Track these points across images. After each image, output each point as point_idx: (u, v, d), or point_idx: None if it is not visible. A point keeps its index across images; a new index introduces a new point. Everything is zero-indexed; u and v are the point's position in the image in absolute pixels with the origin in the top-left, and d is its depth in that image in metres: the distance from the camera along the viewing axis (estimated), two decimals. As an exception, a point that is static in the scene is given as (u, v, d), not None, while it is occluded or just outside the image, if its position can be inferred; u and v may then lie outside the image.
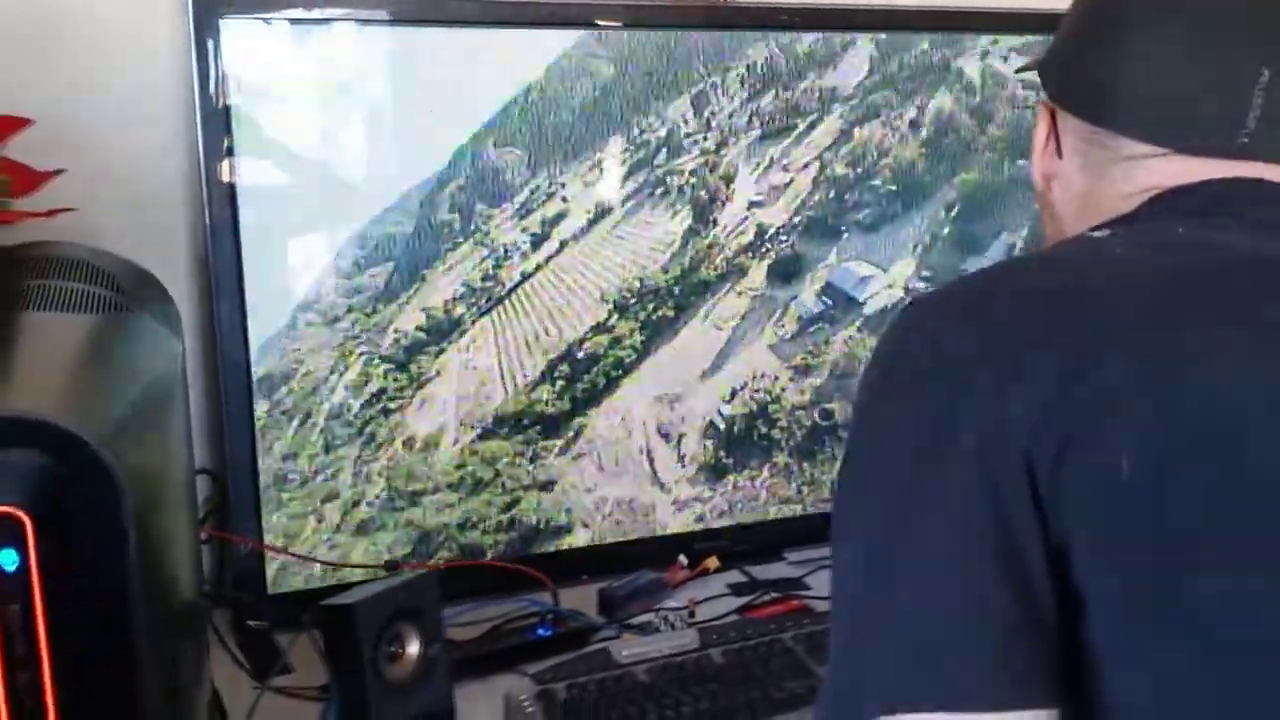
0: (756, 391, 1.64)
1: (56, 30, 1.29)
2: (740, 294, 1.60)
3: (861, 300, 1.65)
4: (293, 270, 1.37)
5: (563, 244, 1.51)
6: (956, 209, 1.65)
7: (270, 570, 1.40)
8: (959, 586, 0.70)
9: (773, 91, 1.55)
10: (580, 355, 1.54)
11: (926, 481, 0.71)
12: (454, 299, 1.46)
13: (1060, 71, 0.92)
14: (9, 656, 0.77)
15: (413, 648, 1.20)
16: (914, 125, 1.61)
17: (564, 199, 1.50)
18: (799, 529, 1.65)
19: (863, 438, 0.78)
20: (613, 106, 1.49)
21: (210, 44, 1.28)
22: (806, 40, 1.54)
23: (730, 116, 1.54)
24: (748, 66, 1.53)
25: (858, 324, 1.66)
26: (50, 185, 1.20)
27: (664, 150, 1.52)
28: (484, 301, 1.48)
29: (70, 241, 1.17)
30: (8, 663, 0.77)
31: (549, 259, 1.51)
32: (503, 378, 1.51)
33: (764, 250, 1.59)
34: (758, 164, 1.57)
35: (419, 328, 1.45)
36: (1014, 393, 0.70)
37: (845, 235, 1.62)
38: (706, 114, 1.53)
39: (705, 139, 1.54)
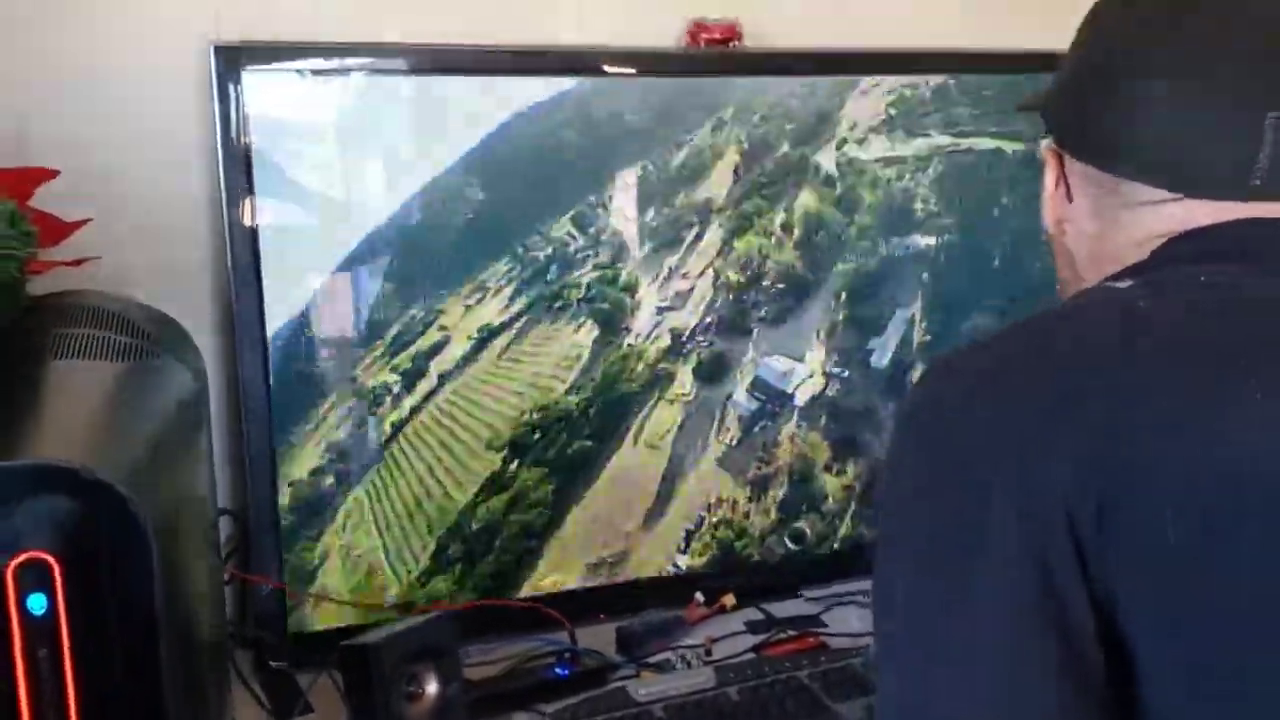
0: (717, 527, 1.58)
1: (84, 82, 1.32)
2: (672, 401, 1.54)
3: (790, 391, 1.63)
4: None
5: (443, 378, 1.42)
6: (845, 295, 1.63)
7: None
8: (1006, 683, 0.70)
9: (652, 208, 1.52)
10: (473, 528, 1.43)
11: (969, 551, 0.72)
12: (319, 469, 1.38)
13: (1065, 116, 0.92)
14: (38, 699, 0.79)
15: (431, 687, 1.21)
16: (785, 228, 1.58)
17: (442, 327, 1.42)
18: (817, 565, 1.66)
19: (897, 512, 0.78)
20: (493, 228, 1.44)
21: (232, 94, 1.31)
22: (680, 156, 1.51)
23: (617, 232, 1.51)
24: (622, 188, 1.50)
25: (795, 417, 1.63)
26: (77, 233, 1.23)
27: (555, 265, 1.47)
28: (356, 467, 1.40)
29: (96, 290, 1.19)
30: (37, 705, 0.79)
31: (427, 398, 1.41)
32: (391, 565, 1.40)
33: (685, 351, 1.55)
34: (656, 274, 1.53)
35: (289, 507, 1.38)
36: (1051, 456, 0.70)
37: (755, 331, 1.60)
38: (592, 231, 1.49)
39: (597, 254, 1.50)
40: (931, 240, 1.65)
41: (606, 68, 1.48)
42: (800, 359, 1.63)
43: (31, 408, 0.91)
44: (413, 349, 1.42)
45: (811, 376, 1.64)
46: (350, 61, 1.37)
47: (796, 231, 1.59)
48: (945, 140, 1.63)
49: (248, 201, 1.33)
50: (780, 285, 1.60)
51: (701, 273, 1.56)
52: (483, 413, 1.43)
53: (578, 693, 1.36)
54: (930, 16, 1.66)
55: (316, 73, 1.35)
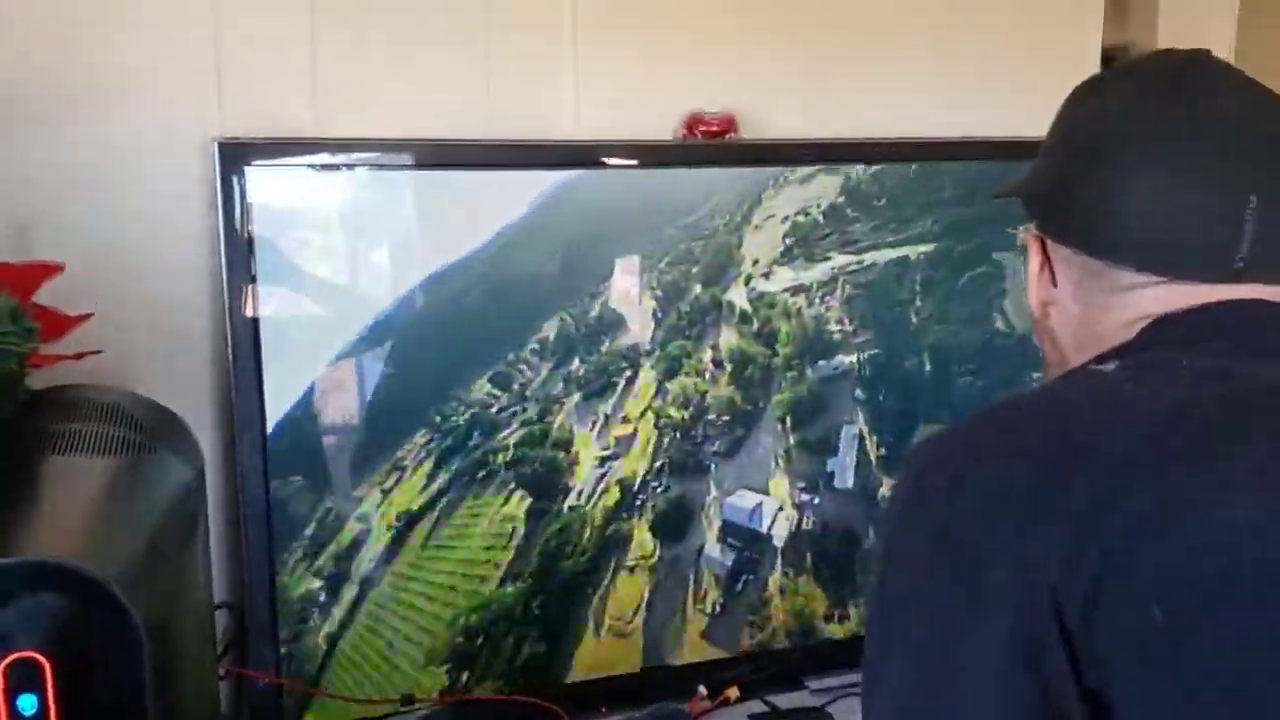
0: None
1: (89, 178, 1.34)
2: (633, 569, 1.45)
3: (765, 531, 1.58)
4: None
5: (365, 585, 1.35)
6: (789, 421, 1.61)
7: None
8: None
9: (576, 358, 1.49)
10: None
11: (957, 637, 0.72)
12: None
13: (1047, 202, 0.93)
14: (26, 802, 0.78)
15: (428, 784, 1.19)
16: (716, 364, 1.57)
17: (359, 518, 1.37)
18: (821, 655, 1.64)
19: (888, 588, 0.78)
20: (405, 400, 1.40)
21: (235, 191, 1.32)
22: (595, 308, 1.49)
23: (544, 384, 1.46)
24: (540, 341, 1.47)
25: (779, 562, 1.57)
26: (81, 328, 1.24)
27: (477, 430, 1.41)
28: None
29: (95, 384, 1.20)
30: (24, 809, 0.78)
31: (354, 607, 1.34)
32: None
33: (639, 504, 1.47)
34: (592, 422, 1.48)
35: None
36: (1036, 536, 0.71)
37: (713, 466, 1.55)
38: (515, 387, 1.45)
39: (524, 410, 1.45)
40: (854, 358, 1.64)
41: (608, 159, 1.50)
42: (765, 490, 1.58)
43: (26, 504, 0.91)
44: (331, 549, 1.36)
45: (782, 509, 1.59)
46: (350, 157, 1.39)
47: (728, 366, 1.57)
48: (846, 259, 1.61)
49: (250, 296, 1.34)
50: (726, 417, 1.56)
51: (641, 414, 1.51)
52: (418, 617, 1.34)
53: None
54: (933, 107, 1.69)
55: (320, 168, 1.37)
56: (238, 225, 1.33)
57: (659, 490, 1.51)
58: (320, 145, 1.39)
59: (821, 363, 1.62)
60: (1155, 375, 0.80)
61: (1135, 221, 0.85)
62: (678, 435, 1.54)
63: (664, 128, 1.58)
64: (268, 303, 1.34)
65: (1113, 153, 0.87)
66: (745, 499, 1.57)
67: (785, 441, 1.60)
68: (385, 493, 1.37)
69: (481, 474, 1.41)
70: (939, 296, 1.67)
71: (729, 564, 1.55)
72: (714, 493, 1.55)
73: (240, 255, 1.33)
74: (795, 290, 1.59)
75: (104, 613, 0.79)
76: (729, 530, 1.56)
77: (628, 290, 1.51)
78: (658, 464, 1.51)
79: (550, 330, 1.48)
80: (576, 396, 1.49)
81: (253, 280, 1.34)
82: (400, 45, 1.45)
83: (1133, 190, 0.85)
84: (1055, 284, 0.92)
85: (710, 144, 1.58)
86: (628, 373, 1.51)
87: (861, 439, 1.64)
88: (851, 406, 1.64)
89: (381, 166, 1.40)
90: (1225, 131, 0.85)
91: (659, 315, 1.53)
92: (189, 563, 1.05)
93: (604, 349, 1.51)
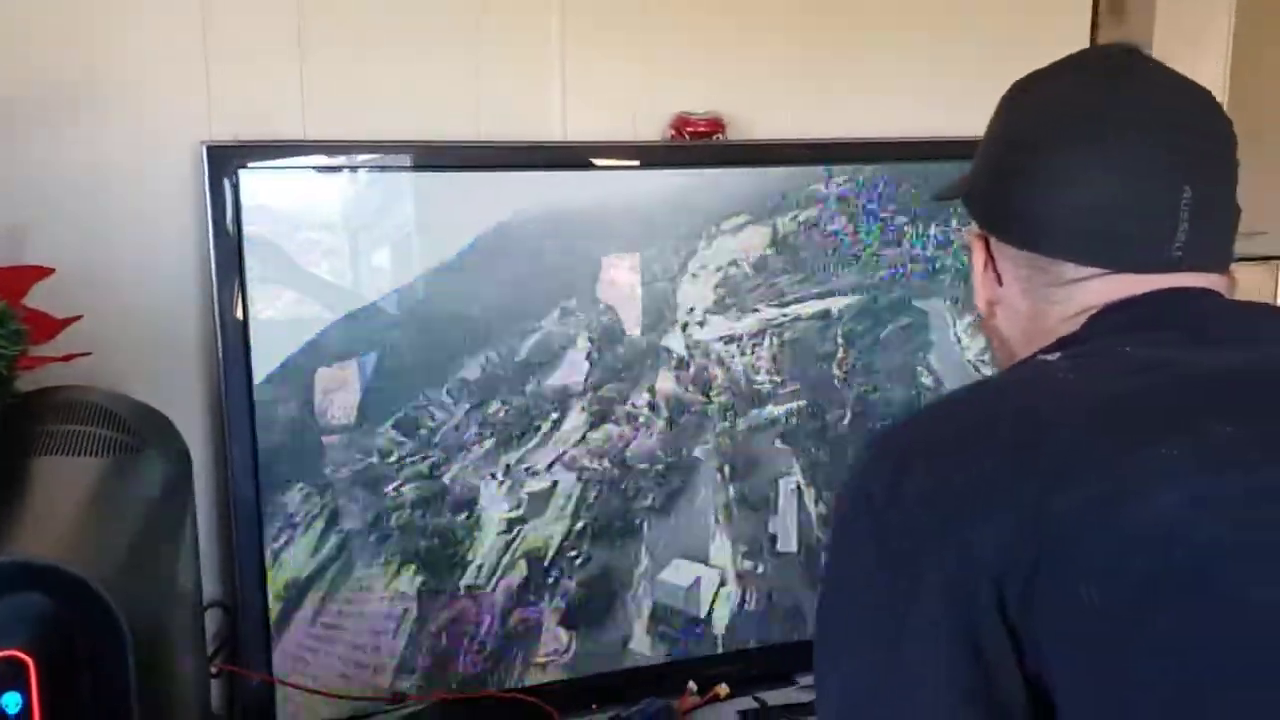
0: None
1: (80, 181, 1.35)
2: (545, 666, 1.36)
3: (705, 616, 1.47)
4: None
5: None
6: (727, 471, 1.56)
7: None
8: None
9: (498, 399, 1.42)
10: None
11: (901, 631, 0.73)
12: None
13: (988, 201, 0.94)
14: (10, 800, 0.79)
15: (417, 780, 1.20)
16: (652, 407, 1.51)
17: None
18: (812, 651, 1.64)
19: (835, 594, 0.80)
20: (306, 443, 1.32)
21: (224, 194, 1.33)
22: (525, 347, 1.45)
23: (457, 428, 1.38)
24: (462, 380, 1.42)
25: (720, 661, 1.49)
26: (69, 329, 1.25)
27: (364, 484, 1.32)
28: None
29: (84, 385, 1.21)
30: (9, 807, 0.79)
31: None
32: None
33: (549, 584, 1.37)
34: (502, 472, 1.38)
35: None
36: (976, 527, 0.72)
37: (644, 526, 1.44)
38: (423, 433, 1.35)
39: (423, 460, 1.36)
40: (783, 409, 1.60)
41: (599, 160, 1.51)
42: (704, 558, 1.49)
43: (12, 504, 0.92)
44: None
45: (724, 584, 1.50)
46: (336, 160, 1.40)
47: (664, 411, 1.53)
48: (773, 313, 1.59)
49: (239, 298, 1.35)
50: (659, 467, 1.48)
51: (554, 461, 1.39)
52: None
53: (567, 785, 1.35)
54: (915, 107, 1.70)
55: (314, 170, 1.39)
56: (226, 228, 1.34)
57: (578, 562, 1.37)
58: (307, 147, 1.40)
59: (755, 412, 1.57)
60: (1096, 364, 0.82)
61: (1075, 216, 0.87)
62: (604, 488, 1.45)
63: (652, 129, 1.59)
64: (256, 305, 1.35)
65: (1050, 149, 0.89)
66: (681, 572, 1.45)
67: (724, 494, 1.54)
68: (275, 554, 1.29)
69: (373, 537, 1.30)
70: (863, 348, 1.65)
71: (660, 663, 1.42)
72: (645, 563, 1.43)
73: (228, 258, 1.34)
74: (728, 340, 1.56)
75: (88, 611, 0.80)
76: (661, 615, 1.43)
77: (566, 330, 1.46)
78: (579, 525, 1.39)
79: (473, 373, 1.39)
80: (489, 443, 1.37)
81: (241, 283, 1.35)
82: (388, 48, 1.46)
83: (1071, 185, 0.87)
84: (1001, 282, 0.93)
85: (698, 145, 1.59)
86: (554, 415, 1.42)
87: (800, 493, 1.58)
88: (787, 459, 1.60)
89: (369, 168, 1.41)
90: (1158, 125, 0.87)
91: (594, 356, 1.48)
92: (175, 561, 1.06)
93: (529, 389, 1.43)
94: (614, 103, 1.57)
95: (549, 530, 1.38)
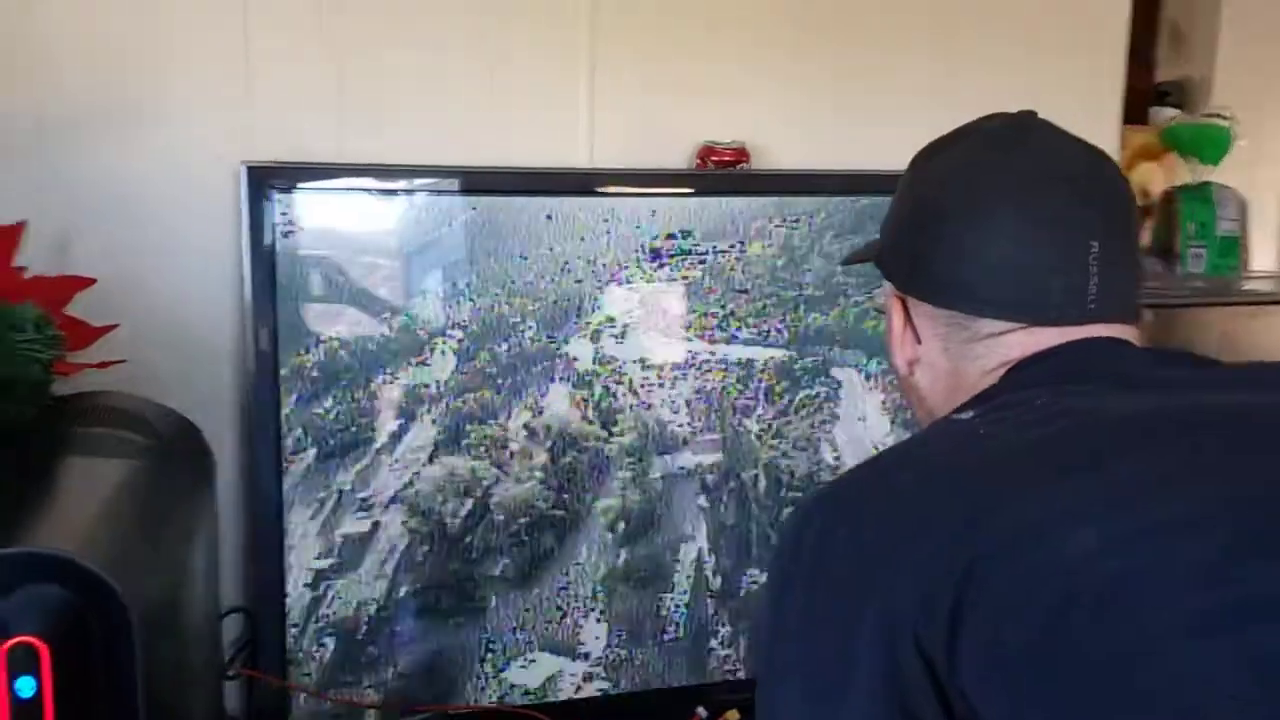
0: None
1: (122, 197, 1.41)
2: None
3: None
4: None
5: None
6: (621, 530, 1.33)
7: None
8: None
9: (331, 397, 1.29)
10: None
11: (834, 690, 0.75)
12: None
13: (902, 262, 0.96)
14: (22, 781, 0.83)
15: (420, 787, 1.23)
16: (531, 433, 1.24)
17: None
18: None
19: (771, 650, 0.81)
20: None
21: (263, 212, 1.39)
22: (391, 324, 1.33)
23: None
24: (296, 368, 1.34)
25: None
26: (108, 337, 1.31)
27: None
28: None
29: (118, 391, 1.26)
30: (20, 787, 0.83)
31: None
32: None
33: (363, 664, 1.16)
34: (316, 506, 1.23)
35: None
36: (895, 583, 0.74)
37: (491, 604, 1.16)
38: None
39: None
40: (700, 459, 1.39)
41: (628, 188, 1.54)
42: (566, 651, 1.20)
43: (39, 501, 0.97)
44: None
45: (589, 680, 1.23)
46: (368, 183, 1.45)
47: (544, 442, 1.23)
48: (700, 346, 1.41)
49: (270, 314, 1.40)
50: (523, 520, 1.19)
51: (390, 501, 1.12)
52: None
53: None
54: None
55: (341, 191, 1.43)
56: (263, 245, 1.39)
57: (382, 662, 1.12)
58: (342, 170, 1.45)
59: (666, 457, 1.32)
60: (1009, 417, 0.83)
61: (993, 273, 0.90)
62: (438, 544, 1.14)
63: (677, 158, 1.63)
64: (285, 320, 1.40)
65: (963, 208, 0.91)
66: (531, 673, 1.13)
67: (612, 559, 1.26)
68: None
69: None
70: (780, 408, 1.48)
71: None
72: (481, 660, 1.13)
73: (264, 274, 1.40)
74: (645, 365, 1.35)
75: (100, 603, 0.84)
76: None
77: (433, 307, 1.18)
78: (399, 592, 1.10)
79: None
80: (309, 455, 1.11)
81: (272, 298, 1.40)
82: (421, 75, 1.51)
83: (985, 243, 0.90)
84: (920, 340, 0.95)
85: (722, 174, 1.62)
86: (392, 425, 1.13)
87: (700, 562, 1.34)
88: (695, 516, 1.37)
89: (398, 192, 1.46)
90: (1063, 182, 0.90)
91: (462, 351, 1.21)
92: (189, 561, 1.11)
93: (363, 387, 1.17)
94: (640, 132, 1.60)
95: (356, 595, 1.16)
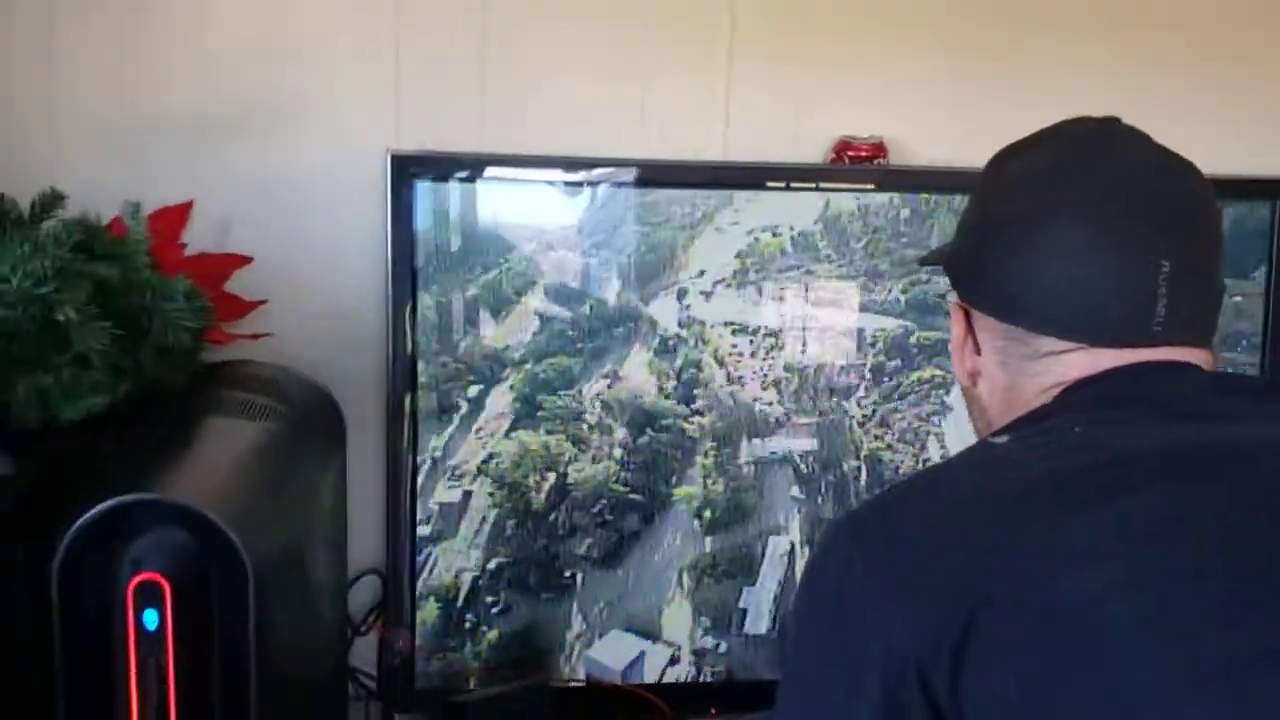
0: None
1: (278, 184, 1.52)
2: None
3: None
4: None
5: None
6: (705, 518, 1.23)
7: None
8: None
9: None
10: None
11: (840, 715, 0.76)
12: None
13: (968, 273, 0.94)
14: (145, 701, 0.92)
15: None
16: (606, 407, 1.16)
17: None
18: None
19: (790, 666, 0.83)
20: None
21: (405, 199, 1.46)
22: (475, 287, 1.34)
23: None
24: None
25: None
26: (260, 311, 1.41)
27: None
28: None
29: (263, 361, 1.36)
30: (144, 706, 0.92)
31: None
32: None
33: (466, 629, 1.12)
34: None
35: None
36: (903, 615, 0.74)
37: (579, 580, 1.15)
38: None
39: None
40: (794, 444, 1.26)
41: (769, 182, 1.54)
42: (653, 632, 1.17)
43: (178, 455, 1.06)
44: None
45: (676, 661, 1.19)
46: (509, 172, 1.51)
47: (621, 416, 1.14)
48: (799, 309, 1.27)
49: (410, 295, 1.48)
50: (604, 501, 1.14)
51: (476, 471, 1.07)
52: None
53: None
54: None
55: (482, 180, 1.50)
56: (405, 232, 1.47)
57: (494, 608, 1.10)
58: (485, 160, 1.51)
59: (756, 441, 1.21)
60: (1041, 443, 0.81)
61: (1053, 289, 0.87)
62: (527, 521, 1.13)
63: (813, 154, 1.63)
64: (425, 303, 1.48)
65: (1027, 220, 0.88)
66: (619, 646, 1.14)
67: (696, 547, 1.21)
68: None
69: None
70: (884, 392, 1.33)
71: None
72: (575, 627, 1.14)
73: (405, 259, 1.48)
74: (737, 329, 1.23)
75: (219, 551, 0.92)
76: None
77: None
78: (491, 564, 1.10)
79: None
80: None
81: (413, 282, 1.48)
82: (562, 71, 1.57)
83: (1049, 259, 0.87)
84: (979, 353, 0.93)
85: (860, 169, 1.62)
86: (473, 390, 1.12)
87: (792, 557, 1.26)
88: (788, 508, 1.26)
89: (540, 182, 1.51)
90: (1137, 198, 0.86)
91: (544, 316, 1.16)
92: (315, 523, 1.19)
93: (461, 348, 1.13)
94: (775, 128, 1.62)
95: (453, 563, 1.15)
